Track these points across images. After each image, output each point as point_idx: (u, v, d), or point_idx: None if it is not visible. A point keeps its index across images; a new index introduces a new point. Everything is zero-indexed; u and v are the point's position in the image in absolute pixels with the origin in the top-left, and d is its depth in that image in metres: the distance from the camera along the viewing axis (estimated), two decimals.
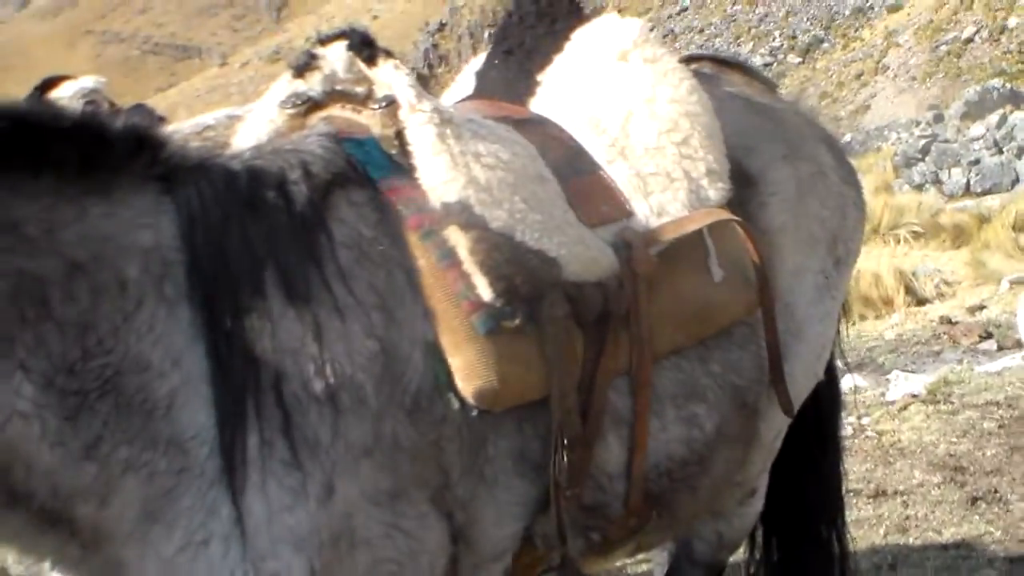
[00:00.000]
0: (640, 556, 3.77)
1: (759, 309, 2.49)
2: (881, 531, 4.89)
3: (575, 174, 2.29)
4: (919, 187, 20.08)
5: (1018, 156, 20.82)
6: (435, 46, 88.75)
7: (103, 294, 1.68)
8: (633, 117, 2.43)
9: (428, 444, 1.96)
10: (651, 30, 2.77)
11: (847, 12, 59.65)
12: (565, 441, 2.08)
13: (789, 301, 2.63)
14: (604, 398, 2.17)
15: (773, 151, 2.70)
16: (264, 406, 1.77)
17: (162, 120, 3.80)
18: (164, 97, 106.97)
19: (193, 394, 1.75)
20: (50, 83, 3.82)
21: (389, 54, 2.23)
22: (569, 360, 2.09)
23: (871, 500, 5.25)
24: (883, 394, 7.13)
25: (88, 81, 3.84)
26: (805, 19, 61.66)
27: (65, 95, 3.65)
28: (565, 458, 2.08)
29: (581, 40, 2.65)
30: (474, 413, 1.97)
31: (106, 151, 1.75)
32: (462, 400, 1.94)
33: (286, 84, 2.22)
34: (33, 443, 1.62)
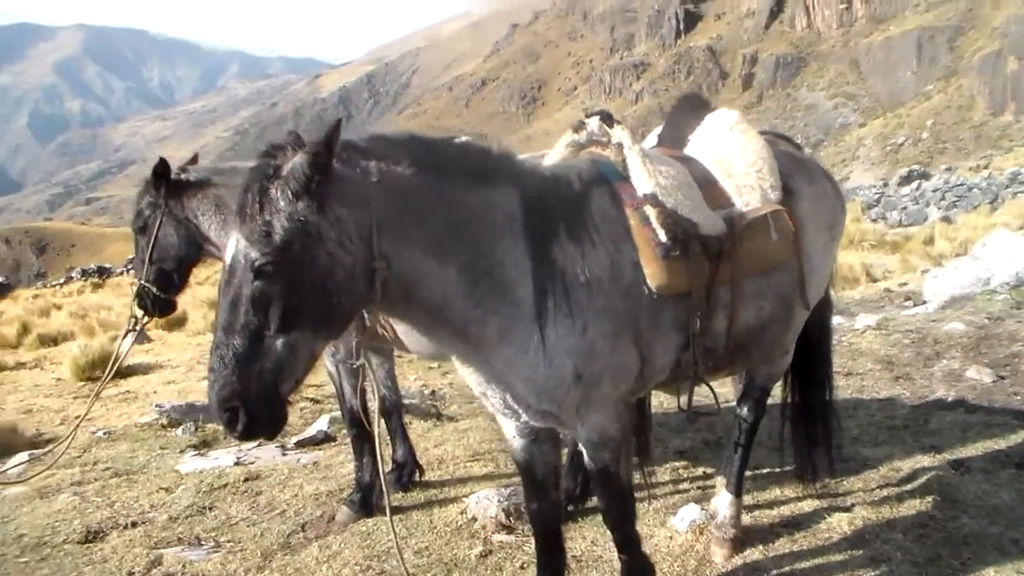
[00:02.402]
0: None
1: (794, 255, 4.25)
2: (848, 392, 8.26)
3: (706, 183, 4.06)
4: (874, 220, 35.32)
5: (926, 205, 37.09)
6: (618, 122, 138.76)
7: (487, 228, 3.29)
8: (734, 158, 4.24)
9: (631, 310, 3.55)
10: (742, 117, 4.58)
11: (837, 126, 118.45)
12: (698, 313, 3.77)
13: (809, 253, 4.38)
14: (717, 293, 3.85)
15: (802, 178, 4.51)
16: (556, 287, 3.37)
17: None
18: None
19: (524, 279, 3.33)
20: None
21: (618, 121, 3.99)
22: (700, 274, 3.74)
23: (844, 376, 8.80)
24: (852, 326, 11.60)
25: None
26: (813, 128, 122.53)
27: None
28: (698, 323, 3.79)
29: (709, 120, 4.57)
30: (654, 296, 3.58)
31: (490, 165, 3.43)
32: (649, 289, 3.57)
33: (568, 135, 4.13)
34: (458, 298, 3.23)
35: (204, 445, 7.92)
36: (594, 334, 3.43)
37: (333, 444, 7.67)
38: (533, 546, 4.26)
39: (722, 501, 5.00)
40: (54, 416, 10.00)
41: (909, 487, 5.64)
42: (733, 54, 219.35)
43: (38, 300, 33.04)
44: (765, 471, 6.02)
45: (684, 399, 4.24)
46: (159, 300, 5.68)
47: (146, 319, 5.87)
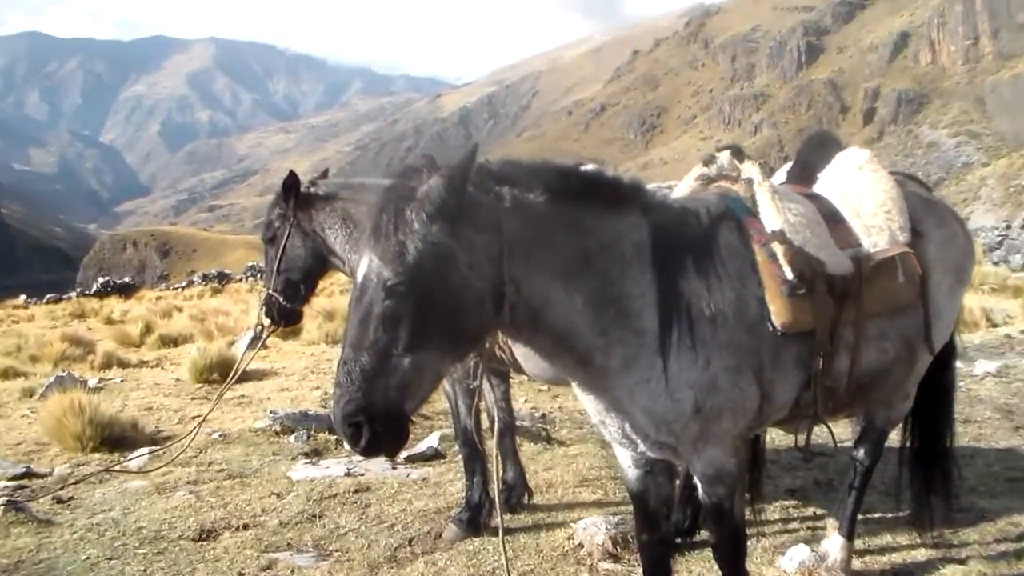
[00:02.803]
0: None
1: (920, 299, 4.18)
2: (965, 440, 7.74)
3: (835, 222, 4.02)
4: (996, 263, 33.31)
5: None
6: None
7: (616, 258, 3.29)
8: (863, 198, 4.20)
9: (755, 347, 3.51)
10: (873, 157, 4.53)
11: (959, 165, 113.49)
12: (821, 353, 3.71)
13: (935, 297, 4.29)
14: (841, 333, 3.79)
15: (931, 221, 4.44)
16: (680, 319, 3.35)
17: None
18: None
19: (649, 309, 3.34)
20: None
21: (748, 156, 4.00)
22: (825, 313, 3.68)
23: (961, 423, 7.89)
24: (971, 372, 11.27)
25: None
26: (935, 166, 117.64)
27: None
28: (821, 362, 3.72)
29: (840, 158, 4.52)
30: (778, 333, 3.54)
31: (621, 195, 3.46)
32: (774, 326, 3.53)
33: (698, 168, 4.11)
34: (584, 326, 3.24)
35: (315, 454, 8.04)
36: (716, 368, 3.42)
37: (443, 461, 7.71)
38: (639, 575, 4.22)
39: (833, 544, 4.95)
40: (172, 415, 10.28)
41: None
42: (855, 88, 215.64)
43: (161, 302, 34.33)
44: (877, 515, 5.89)
45: (802, 437, 4.18)
46: (285, 310, 5.82)
47: (272, 327, 6.03)
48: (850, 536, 4.95)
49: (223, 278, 50.42)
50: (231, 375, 6.37)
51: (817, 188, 4.40)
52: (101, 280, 47.14)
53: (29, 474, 7.51)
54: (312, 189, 5.79)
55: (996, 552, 5.32)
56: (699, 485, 3.75)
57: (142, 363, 15.46)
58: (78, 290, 49.60)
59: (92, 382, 12.20)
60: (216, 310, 26.38)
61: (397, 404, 2.87)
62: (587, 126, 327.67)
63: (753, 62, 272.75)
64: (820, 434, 4.25)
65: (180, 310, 27.72)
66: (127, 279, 50.43)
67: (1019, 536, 5.56)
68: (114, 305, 34.01)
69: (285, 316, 5.88)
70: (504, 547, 3.67)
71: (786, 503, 6.34)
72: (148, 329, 20.29)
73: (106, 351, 16.01)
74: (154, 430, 9.37)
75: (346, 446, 3.01)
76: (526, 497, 6.28)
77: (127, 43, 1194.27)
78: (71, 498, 6.68)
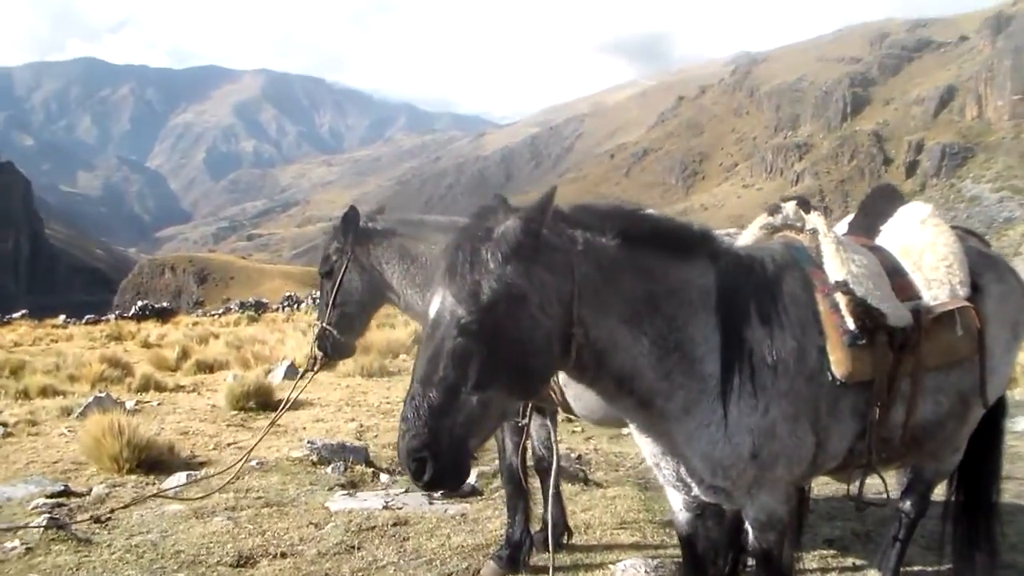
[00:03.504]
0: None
1: (977, 353, 4.20)
2: (1008, 496, 6.83)
3: (896, 274, 4.05)
4: None
5: None
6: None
7: (682, 304, 3.35)
8: (925, 252, 4.23)
9: (813, 396, 3.55)
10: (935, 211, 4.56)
11: (1001, 220, 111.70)
12: (879, 403, 3.75)
13: (992, 351, 4.30)
14: (898, 385, 3.82)
15: (990, 276, 4.47)
16: (742, 366, 3.39)
17: None
18: None
19: (712, 355, 3.37)
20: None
21: (814, 207, 4.09)
22: (884, 364, 3.72)
23: (1004, 480, 7.45)
24: (1012, 427, 10.26)
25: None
26: (976, 221, 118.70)
27: None
28: (877, 412, 3.75)
29: (902, 212, 4.56)
30: (837, 383, 3.58)
31: (690, 241, 3.51)
32: (833, 376, 3.57)
33: (763, 218, 4.20)
34: (647, 369, 3.28)
35: (352, 485, 8.05)
36: (775, 415, 3.45)
37: (480, 498, 7.69)
38: None
39: None
40: (208, 440, 10.33)
41: None
42: (899, 140, 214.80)
43: (197, 327, 34.57)
44: (916, 569, 5.82)
45: (855, 487, 4.19)
46: (338, 343, 5.89)
47: (324, 360, 6.10)
48: None
49: (260, 307, 50.81)
50: (281, 407, 6.48)
51: (880, 240, 4.43)
52: (139, 304, 47.68)
53: (67, 492, 7.60)
54: (371, 224, 5.87)
55: None
56: (750, 531, 3.75)
57: (179, 387, 15.57)
58: (116, 312, 50.12)
59: (129, 404, 12.33)
60: (252, 338, 26.53)
61: (462, 441, 2.89)
62: (629, 170, 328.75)
63: (798, 112, 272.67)
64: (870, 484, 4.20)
65: (216, 336, 27.89)
66: (164, 304, 50.96)
67: None
68: (151, 329, 34.32)
69: (338, 349, 5.96)
70: None
71: (824, 552, 6.27)
72: (185, 354, 20.47)
73: (144, 374, 16.11)
74: (189, 455, 9.42)
75: (408, 478, 3.02)
76: (565, 537, 6.24)
77: (179, 71, 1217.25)
78: (109, 518, 6.73)
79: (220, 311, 51.29)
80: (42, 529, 6.15)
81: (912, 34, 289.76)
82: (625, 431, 11.54)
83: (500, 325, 2.86)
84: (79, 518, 6.69)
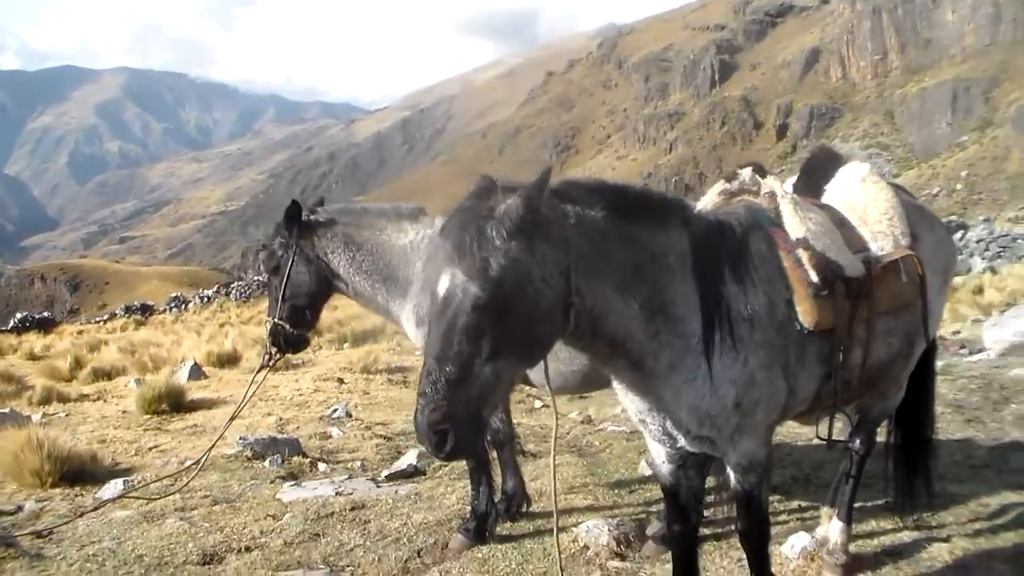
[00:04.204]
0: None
1: (919, 296, 4.58)
2: None
3: (845, 230, 4.37)
4: None
5: (970, 256, 36.83)
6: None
7: (663, 268, 3.56)
8: (868, 207, 4.60)
9: (783, 345, 3.84)
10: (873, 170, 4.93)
11: None
12: (840, 348, 4.09)
13: (928, 295, 4.66)
14: (856, 331, 4.15)
15: (923, 226, 4.84)
16: (721, 321, 3.65)
17: None
18: None
19: (693, 314, 3.62)
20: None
21: (769, 172, 4.43)
22: (843, 312, 4.03)
23: None
24: None
25: None
26: None
27: None
28: (841, 356, 4.09)
29: (843, 172, 4.91)
30: (804, 331, 3.88)
31: (667, 209, 3.73)
32: (800, 325, 3.86)
33: (720, 184, 4.46)
34: (638, 331, 3.50)
35: (292, 477, 8.06)
36: (753, 365, 3.72)
37: (424, 477, 7.81)
38: (648, 571, 4.80)
39: (833, 528, 5.28)
40: (128, 447, 10.13)
41: (1001, 521, 5.92)
42: (768, 104, 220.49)
43: (84, 335, 33.53)
44: (857, 504, 6.11)
45: (823, 429, 4.43)
46: (292, 336, 5.98)
47: (279, 355, 6.16)
48: (848, 521, 5.29)
49: (146, 310, 49.55)
50: (242, 401, 6.47)
51: (825, 199, 4.75)
52: (18, 316, 45.77)
53: None
54: (312, 216, 5.97)
55: (972, 531, 5.78)
56: (732, 475, 4.00)
57: (83, 397, 15.13)
58: None
59: (36, 418, 11.93)
60: (146, 342, 25.96)
61: (477, 411, 3.05)
62: (502, 149, 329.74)
63: (667, 81, 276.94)
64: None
65: (106, 343, 27.07)
66: (45, 314, 49.04)
67: (989, 516, 6.04)
68: (34, 340, 33.05)
69: (292, 343, 6.04)
70: (558, 545, 3.80)
71: (770, 499, 6.54)
72: (78, 363, 19.86)
73: (44, 386, 15.59)
74: (112, 463, 9.22)
75: (425, 450, 3.16)
76: (525, 505, 6.43)
77: (32, 73, 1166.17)
78: (50, 532, 6.55)
79: (105, 317, 49.83)
80: None
81: None
82: (538, 404, 11.85)
83: (508, 298, 3.01)
84: (17, 535, 6.51)
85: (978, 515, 6.06)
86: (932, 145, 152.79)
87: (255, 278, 55.95)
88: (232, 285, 56.50)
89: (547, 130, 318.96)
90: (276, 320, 5.94)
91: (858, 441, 5.27)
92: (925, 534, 5.72)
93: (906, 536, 5.71)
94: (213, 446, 6.67)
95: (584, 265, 3.27)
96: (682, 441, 3.90)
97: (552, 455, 3.66)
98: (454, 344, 2.99)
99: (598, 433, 9.53)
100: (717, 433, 3.76)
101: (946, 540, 5.60)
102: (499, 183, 3.29)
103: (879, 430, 5.50)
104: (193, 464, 7.11)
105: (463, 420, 3.00)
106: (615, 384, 3.90)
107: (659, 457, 4.23)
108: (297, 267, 5.89)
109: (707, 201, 4.43)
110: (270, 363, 6.22)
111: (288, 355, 6.53)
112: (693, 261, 3.65)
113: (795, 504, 6.45)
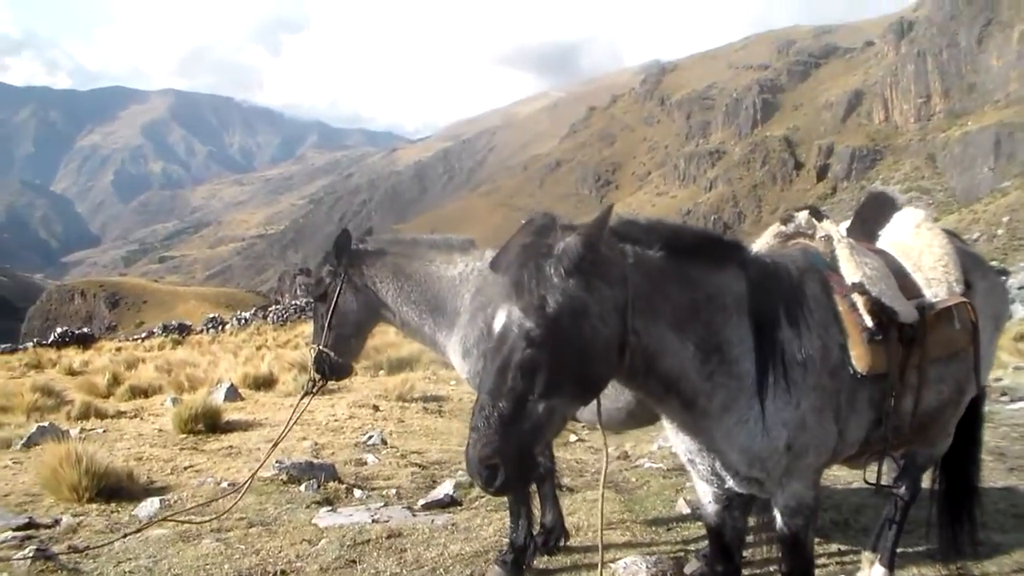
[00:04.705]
0: None
1: (972, 344, 4.61)
2: None
3: (900, 275, 4.38)
4: None
5: (1012, 302, 33.11)
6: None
7: (719, 309, 3.59)
8: (923, 253, 4.63)
9: (835, 389, 3.83)
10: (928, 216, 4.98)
11: None
12: (892, 394, 4.09)
13: (980, 342, 4.68)
14: (907, 376, 4.16)
15: (977, 273, 4.86)
16: (775, 363, 3.64)
17: None
18: None
19: (747, 355, 3.62)
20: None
21: (826, 216, 4.46)
22: (896, 358, 4.04)
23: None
24: None
25: None
26: None
27: None
28: (892, 401, 4.10)
29: (898, 217, 4.97)
30: (857, 376, 3.88)
31: (724, 251, 3.77)
32: (854, 370, 3.86)
33: (776, 226, 4.57)
34: (692, 371, 3.50)
35: (328, 502, 8.05)
36: (805, 408, 3.71)
37: (460, 508, 7.78)
38: None
39: (876, 574, 5.30)
40: (164, 465, 10.17)
41: None
42: (809, 145, 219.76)
43: (122, 353, 33.83)
44: (899, 550, 6.06)
45: (872, 475, 4.49)
46: (336, 364, 6.00)
47: (323, 381, 6.20)
48: (891, 567, 5.29)
49: (184, 330, 49.93)
50: (285, 427, 6.52)
51: (879, 244, 4.79)
52: (59, 330, 46.34)
53: (32, 525, 7.39)
54: (362, 246, 6.03)
55: None
56: (779, 517, 3.97)
57: (120, 414, 15.24)
58: (35, 340, 48.61)
59: (73, 432, 12.01)
60: (182, 361, 26.13)
61: (529, 448, 3.07)
62: (542, 181, 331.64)
63: (708, 119, 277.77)
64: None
65: (144, 361, 27.40)
66: (84, 329, 49.66)
67: None
68: (73, 356, 33.47)
69: (336, 370, 6.07)
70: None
71: None
72: (116, 380, 20.04)
73: (82, 401, 15.74)
74: (147, 480, 9.25)
75: (476, 485, 3.16)
76: (563, 540, 6.37)
77: (83, 93, 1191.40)
78: (87, 548, 6.58)
79: (143, 335, 50.24)
80: (29, 561, 6.04)
81: (818, 40, 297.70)
82: (572, 439, 11.76)
83: (564, 336, 3.03)
84: (55, 549, 6.54)
85: (1020, 565, 5.98)
86: (973, 190, 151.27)
87: (292, 302, 56.34)
88: (270, 308, 56.80)
89: (588, 164, 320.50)
90: (321, 347, 5.96)
91: (904, 487, 5.23)
92: None
93: None
94: (255, 473, 6.72)
95: (641, 304, 3.29)
96: (730, 482, 3.88)
97: (601, 490, 3.63)
98: (508, 380, 3.01)
99: (635, 470, 9.45)
100: (767, 475, 3.74)
101: None
102: (558, 221, 3.30)
103: (924, 476, 5.45)
104: (235, 491, 7.12)
105: (514, 457, 3.01)
106: (665, 423, 3.89)
107: (705, 497, 4.21)
108: (345, 295, 5.93)
109: (762, 243, 4.48)
110: (314, 390, 6.25)
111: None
112: (749, 303, 3.66)
113: (834, 548, 6.38)
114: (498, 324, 3.13)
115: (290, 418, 6.43)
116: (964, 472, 5.56)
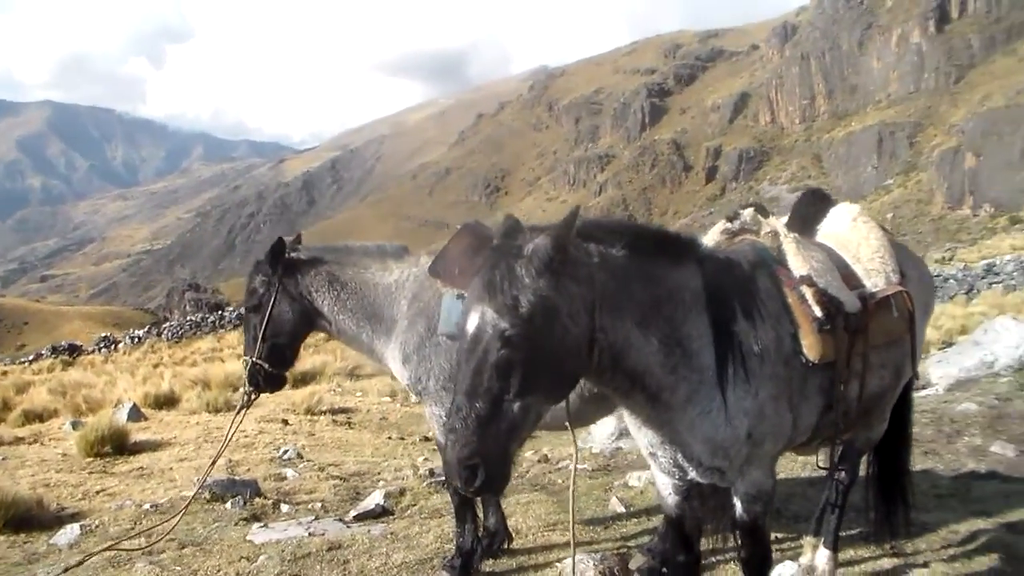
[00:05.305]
0: None
1: (909, 330, 4.81)
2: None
3: (842, 268, 4.58)
4: None
5: None
6: None
7: (679, 304, 3.71)
8: (861, 245, 4.84)
9: (788, 377, 3.97)
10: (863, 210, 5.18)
11: None
12: (840, 380, 4.24)
13: (916, 328, 4.92)
14: (853, 363, 4.31)
15: (909, 263, 5.14)
16: (734, 355, 3.78)
17: None
18: None
19: (707, 348, 3.75)
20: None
21: (772, 212, 4.72)
22: (842, 346, 4.18)
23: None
24: None
25: None
26: None
27: None
28: (842, 387, 4.26)
29: (834, 212, 5.17)
30: (808, 364, 4.03)
31: (682, 248, 3.88)
32: (805, 359, 4.01)
33: (722, 223, 4.61)
34: (656, 366, 3.62)
35: (256, 518, 7.92)
36: (764, 397, 3.83)
37: (393, 517, 7.73)
38: None
39: (820, 557, 5.44)
40: (74, 490, 9.87)
41: (972, 546, 6.14)
42: (697, 147, 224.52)
43: (8, 376, 32.49)
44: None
45: (823, 458, 4.75)
46: (271, 376, 5.93)
47: (256, 394, 6.10)
48: (835, 549, 5.45)
49: (74, 350, 48.18)
50: (224, 441, 6.41)
51: (818, 239, 4.94)
52: None
53: None
54: (295, 254, 5.96)
55: (947, 556, 6.02)
56: (738, 504, 4.10)
57: (18, 440, 14.62)
58: None
59: None
60: (77, 383, 25.17)
61: (506, 447, 3.14)
62: (432, 189, 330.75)
63: (597, 124, 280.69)
64: None
65: (34, 384, 26.32)
66: None
67: (960, 542, 6.28)
68: None
69: (271, 382, 5.99)
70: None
71: None
72: (6, 405, 19.27)
73: None
74: (58, 507, 8.94)
75: (457, 486, 3.17)
76: (507, 543, 6.40)
77: None
78: None
79: (30, 357, 48.25)
80: None
81: (704, 44, 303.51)
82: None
83: (538, 335, 3.10)
84: None
85: (949, 542, 6.26)
86: (858, 188, 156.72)
87: (188, 318, 55.09)
88: (164, 325, 55.35)
89: (477, 171, 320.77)
90: (255, 359, 5.87)
91: (843, 472, 5.40)
92: (904, 560, 5.92)
93: (886, 563, 5.88)
94: (194, 496, 6.60)
95: (608, 302, 3.38)
96: (692, 473, 3.98)
97: (571, 488, 3.74)
98: (484, 380, 3.06)
99: (559, 472, 9.50)
100: (728, 464, 3.86)
101: (924, 566, 5.79)
102: (523, 223, 3.40)
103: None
104: (178, 512, 6.94)
105: (493, 456, 3.06)
106: (627, 418, 4.00)
107: (665, 488, 4.32)
108: (280, 305, 5.85)
109: (709, 239, 4.56)
110: (249, 403, 6.15)
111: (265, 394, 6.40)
112: (706, 297, 3.78)
113: (772, 536, 6.45)
114: (471, 325, 3.16)
115: (227, 433, 6.33)
116: (897, 455, 5.76)
